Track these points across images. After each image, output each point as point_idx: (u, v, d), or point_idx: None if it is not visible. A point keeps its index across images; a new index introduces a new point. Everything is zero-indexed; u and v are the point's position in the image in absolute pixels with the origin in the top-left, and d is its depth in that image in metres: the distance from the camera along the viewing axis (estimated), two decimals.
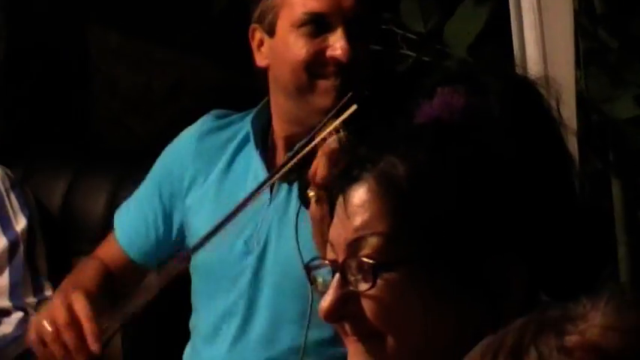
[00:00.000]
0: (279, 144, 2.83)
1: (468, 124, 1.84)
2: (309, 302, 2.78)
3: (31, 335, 2.77)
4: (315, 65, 2.75)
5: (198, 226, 2.90)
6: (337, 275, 1.66)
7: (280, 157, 2.80)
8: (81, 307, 2.70)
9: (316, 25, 2.74)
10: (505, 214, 1.61)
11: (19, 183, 3.43)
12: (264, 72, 2.85)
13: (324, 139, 2.51)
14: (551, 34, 2.67)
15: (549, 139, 1.83)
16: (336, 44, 2.72)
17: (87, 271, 3.06)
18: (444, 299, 1.46)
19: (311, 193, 2.45)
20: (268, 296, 2.86)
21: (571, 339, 1.10)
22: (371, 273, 1.62)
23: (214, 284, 3.00)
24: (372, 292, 1.62)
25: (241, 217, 2.75)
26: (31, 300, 3.25)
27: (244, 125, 2.99)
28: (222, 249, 2.87)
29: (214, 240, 2.78)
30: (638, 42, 3.27)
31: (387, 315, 1.50)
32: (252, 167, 2.89)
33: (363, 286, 1.62)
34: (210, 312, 3.00)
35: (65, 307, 2.69)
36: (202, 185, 2.97)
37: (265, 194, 2.81)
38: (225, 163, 2.99)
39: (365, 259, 1.63)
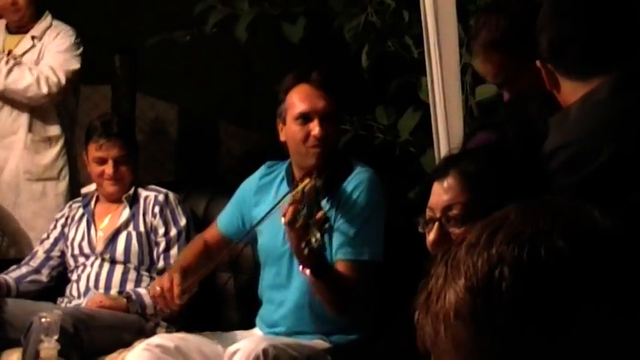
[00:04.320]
0: (297, 180, 3.38)
1: (499, 148, 2.32)
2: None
3: (151, 291, 3.57)
4: (306, 140, 3.36)
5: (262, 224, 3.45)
6: (437, 224, 2.06)
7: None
8: (177, 280, 3.40)
9: (304, 118, 3.37)
10: (516, 193, 1.68)
11: (182, 201, 4.21)
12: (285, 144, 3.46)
13: (305, 185, 3.13)
14: (452, 124, 3.12)
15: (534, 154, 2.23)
16: (315, 129, 3.35)
17: (193, 247, 3.73)
18: None
19: None
20: (298, 270, 3.32)
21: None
22: (459, 222, 2.04)
23: (268, 259, 3.54)
24: (458, 232, 2.01)
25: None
26: None
27: (282, 170, 3.56)
28: (273, 240, 3.39)
29: (268, 233, 3.40)
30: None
31: None
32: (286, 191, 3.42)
33: (454, 229, 2.04)
34: (268, 274, 3.54)
35: (169, 279, 3.43)
36: (263, 204, 3.52)
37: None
38: (274, 191, 3.53)
39: (455, 215, 2.05)
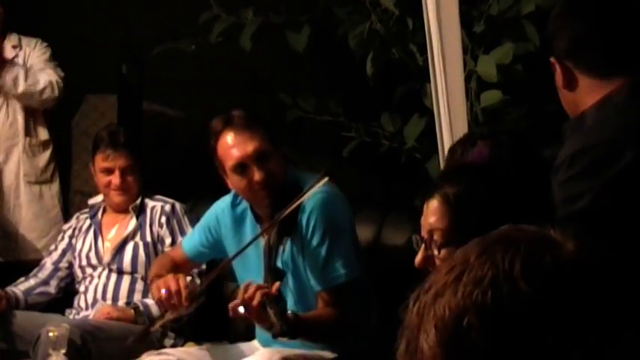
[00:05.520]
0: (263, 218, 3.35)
1: (490, 165, 2.29)
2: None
3: (155, 293, 3.39)
4: (251, 187, 3.28)
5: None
6: (424, 244, 2.11)
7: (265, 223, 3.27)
8: (183, 282, 3.32)
9: (241, 167, 3.27)
10: (508, 215, 1.62)
11: (189, 211, 4.22)
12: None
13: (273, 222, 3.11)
14: (456, 130, 3.11)
15: (537, 173, 2.25)
16: (255, 175, 3.24)
17: (165, 262, 3.68)
18: None
19: None
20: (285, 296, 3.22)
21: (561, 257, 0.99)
22: (438, 247, 2.09)
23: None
24: (439, 255, 2.09)
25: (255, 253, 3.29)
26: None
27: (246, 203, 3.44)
28: (250, 277, 3.23)
29: (245, 272, 3.36)
30: None
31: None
32: (256, 230, 3.38)
33: (435, 252, 2.10)
34: None
35: (175, 281, 3.31)
36: (235, 238, 3.46)
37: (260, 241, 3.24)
38: (247, 226, 3.44)
39: (436, 240, 2.09)
